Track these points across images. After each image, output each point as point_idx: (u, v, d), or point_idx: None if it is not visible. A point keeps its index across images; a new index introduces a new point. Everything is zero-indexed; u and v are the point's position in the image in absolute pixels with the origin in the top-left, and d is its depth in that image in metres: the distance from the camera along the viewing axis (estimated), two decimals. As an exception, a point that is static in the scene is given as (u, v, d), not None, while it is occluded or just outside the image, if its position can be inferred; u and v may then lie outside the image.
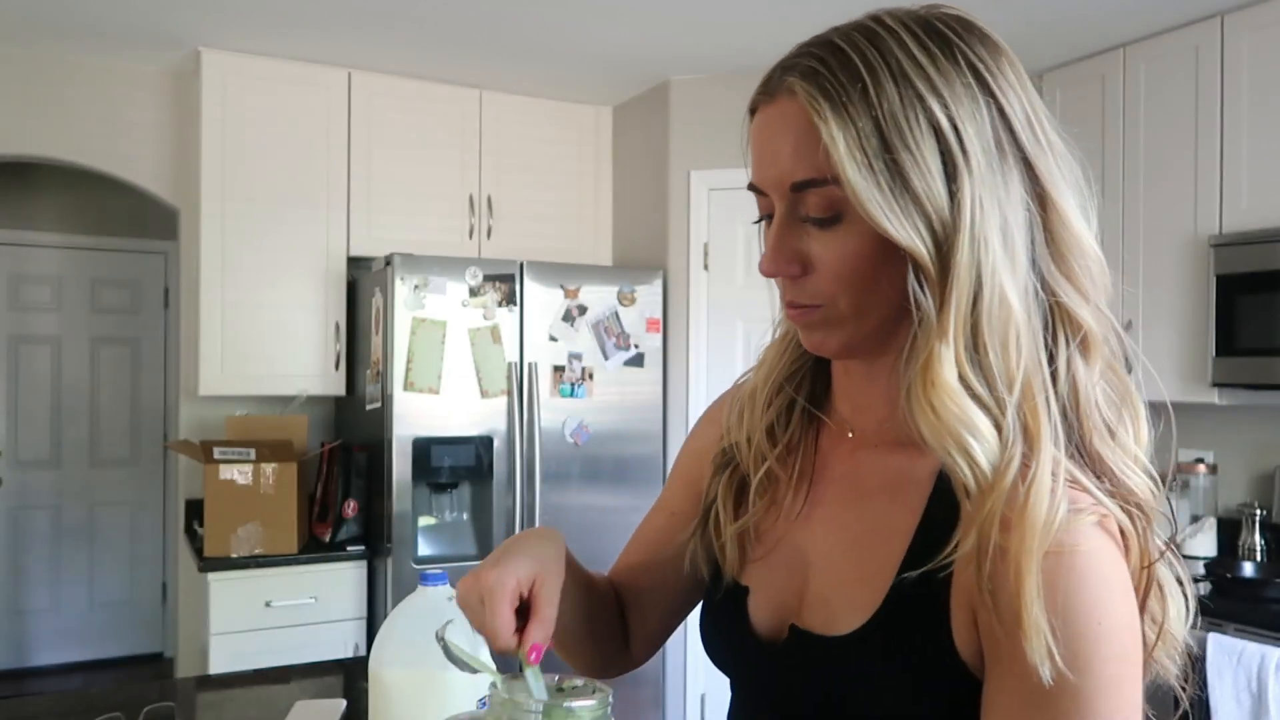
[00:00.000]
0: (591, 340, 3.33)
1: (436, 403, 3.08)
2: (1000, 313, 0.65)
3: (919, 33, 0.68)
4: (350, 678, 1.82)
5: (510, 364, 3.18)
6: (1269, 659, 2.27)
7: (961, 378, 0.65)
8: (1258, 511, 2.85)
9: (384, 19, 3.01)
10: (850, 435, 0.80)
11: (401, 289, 3.04)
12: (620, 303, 3.37)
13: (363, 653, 3.08)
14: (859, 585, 0.73)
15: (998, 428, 0.64)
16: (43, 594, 4.82)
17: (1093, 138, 3.15)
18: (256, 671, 2.00)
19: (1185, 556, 2.92)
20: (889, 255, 0.66)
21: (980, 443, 0.64)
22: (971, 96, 0.66)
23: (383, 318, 3.12)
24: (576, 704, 0.67)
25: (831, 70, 0.67)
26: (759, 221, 0.75)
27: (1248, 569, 2.73)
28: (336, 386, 3.43)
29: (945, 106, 0.65)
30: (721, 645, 0.84)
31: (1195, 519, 3.02)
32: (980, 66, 0.68)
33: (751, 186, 0.73)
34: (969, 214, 0.64)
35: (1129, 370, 0.74)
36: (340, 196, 3.43)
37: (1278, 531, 2.87)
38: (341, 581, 3.12)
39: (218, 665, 2.90)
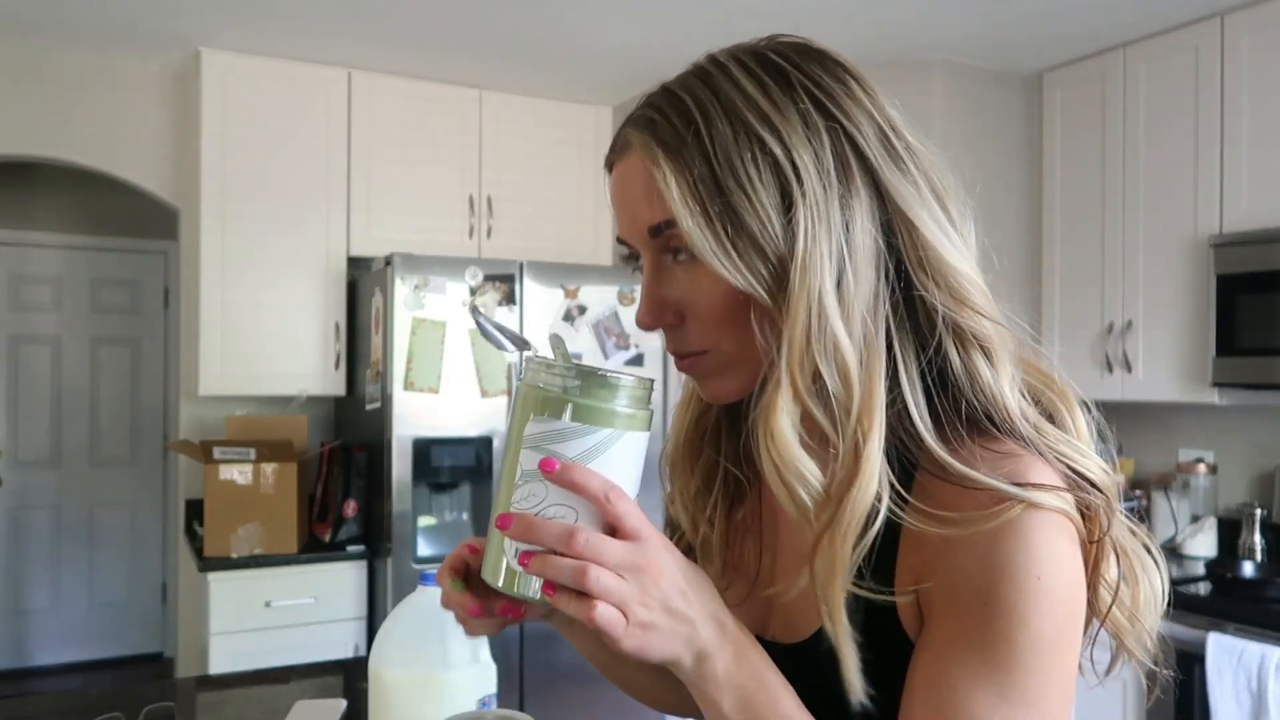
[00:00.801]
0: (592, 340, 3.33)
1: (436, 403, 3.08)
2: (833, 349, 0.65)
3: (752, 66, 0.68)
4: (350, 678, 1.82)
5: (510, 364, 3.18)
6: (1269, 659, 2.27)
7: (805, 415, 0.66)
8: (1258, 511, 2.85)
9: (384, 19, 3.01)
10: None
11: (401, 289, 3.04)
12: (620, 302, 3.37)
13: (363, 653, 3.08)
14: (806, 590, 0.73)
15: (835, 449, 0.66)
16: (43, 594, 4.82)
17: (1093, 138, 3.16)
18: (256, 671, 2.00)
19: (1185, 556, 2.92)
20: (742, 298, 0.67)
21: (806, 488, 0.65)
22: (809, 124, 0.66)
23: (383, 318, 3.12)
24: (615, 373, 0.64)
25: (666, 116, 0.68)
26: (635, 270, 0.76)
27: (1248, 569, 2.73)
28: (336, 386, 3.43)
29: (779, 138, 0.65)
30: None
31: (1195, 519, 3.02)
32: (818, 92, 0.67)
33: (621, 242, 0.75)
34: (802, 245, 0.64)
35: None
36: (340, 196, 3.43)
37: (1278, 531, 2.87)
38: (341, 581, 3.12)
39: (218, 665, 2.90)
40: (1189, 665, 2.42)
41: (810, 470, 0.65)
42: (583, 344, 3.31)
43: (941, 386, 0.68)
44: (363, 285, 3.39)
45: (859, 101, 0.68)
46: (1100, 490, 0.66)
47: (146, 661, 4.93)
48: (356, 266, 3.47)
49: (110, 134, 3.46)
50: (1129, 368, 3.01)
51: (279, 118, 3.35)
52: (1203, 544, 2.93)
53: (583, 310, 3.31)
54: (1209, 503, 3.04)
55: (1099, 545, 0.66)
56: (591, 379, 0.64)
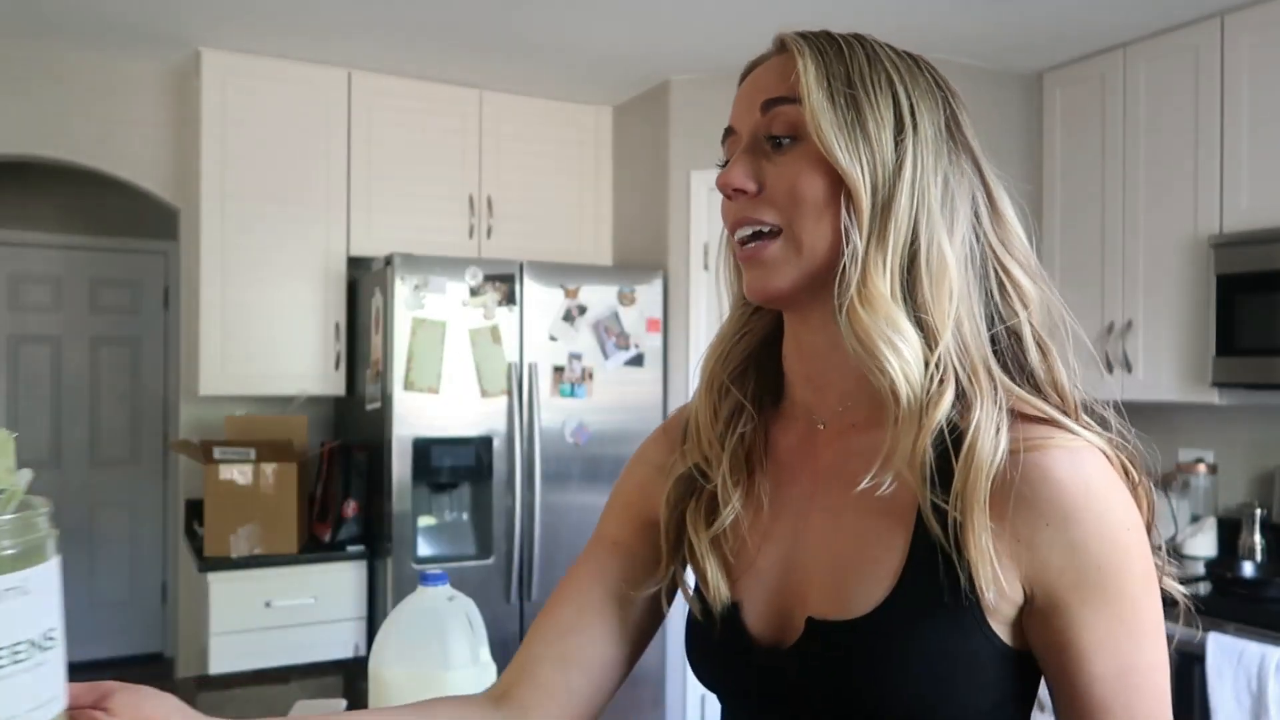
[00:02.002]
0: (591, 340, 3.33)
1: (436, 403, 3.08)
2: (937, 264, 0.71)
3: (896, 50, 0.78)
4: (350, 678, 1.82)
5: (510, 364, 3.18)
6: (1269, 659, 2.27)
7: (893, 295, 0.70)
8: (1258, 511, 2.85)
9: (384, 19, 3.01)
10: (821, 427, 0.80)
11: (401, 289, 3.04)
12: (620, 303, 3.37)
13: (363, 653, 3.08)
14: (869, 564, 0.73)
15: (926, 361, 0.70)
16: (43, 594, 4.81)
17: (1093, 138, 3.16)
18: (256, 671, 2.00)
19: (1185, 556, 2.92)
20: (835, 189, 0.72)
21: (908, 345, 0.70)
22: (930, 92, 0.75)
23: (383, 318, 3.12)
24: None
25: (816, 36, 0.76)
26: (723, 165, 0.79)
27: (1248, 569, 2.73)
28: (336, 386, 3.43)
29: (905, 85, 0.74)
30: (718, 665, 0.82)
31: (1195, 519, 3.02)
32: (941, 81, 0.78)
33: (727, 131, 0.79)
34: (910, 170, 0.72)
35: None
36: (340, 196, 3.43)
37: (1278, 531, 2.87)
38: (341, 581, 3.12)
39: (218, 665, 2.90)
40: (1189, 665, 2.42)
41: (911, 331, 0.70)
42: (582, 344, 3.31)
43: (1005, 344, 0.75)
44: (363, 285, 3.39)
45: (965, 107, 0.79)
46: (1123, 438, 0.74)
47: (146, 661, 4.93)
48: (356, 266, 3.47)
49: (110, 134, 3.46)
50: (1129, 368, 3.01)
51: (279, 118, 3.35)
52: (1203, 544, 2.93)
53: (583, 310, 3.31)
54: (1209, 503, 3.04)
55: (1137, 492, 0.73)
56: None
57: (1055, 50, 3.18)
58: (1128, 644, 0.69)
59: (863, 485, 0.72)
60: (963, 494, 0.68)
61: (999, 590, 0.69)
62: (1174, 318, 2.91)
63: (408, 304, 3.05)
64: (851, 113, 0.72)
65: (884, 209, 0.71)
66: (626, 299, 3.38)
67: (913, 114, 0.73)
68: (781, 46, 0.77)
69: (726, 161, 0.78)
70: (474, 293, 3.13)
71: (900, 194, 0.71)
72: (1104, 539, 0.68)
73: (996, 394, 0.71)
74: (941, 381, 0.70)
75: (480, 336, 3.14)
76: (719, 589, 0.80)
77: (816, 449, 0.80)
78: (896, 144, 0.72)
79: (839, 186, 0.71)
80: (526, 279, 3.22)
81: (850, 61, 0.73)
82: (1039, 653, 0.72)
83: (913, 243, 0.71)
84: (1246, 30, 2.73)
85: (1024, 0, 2.79)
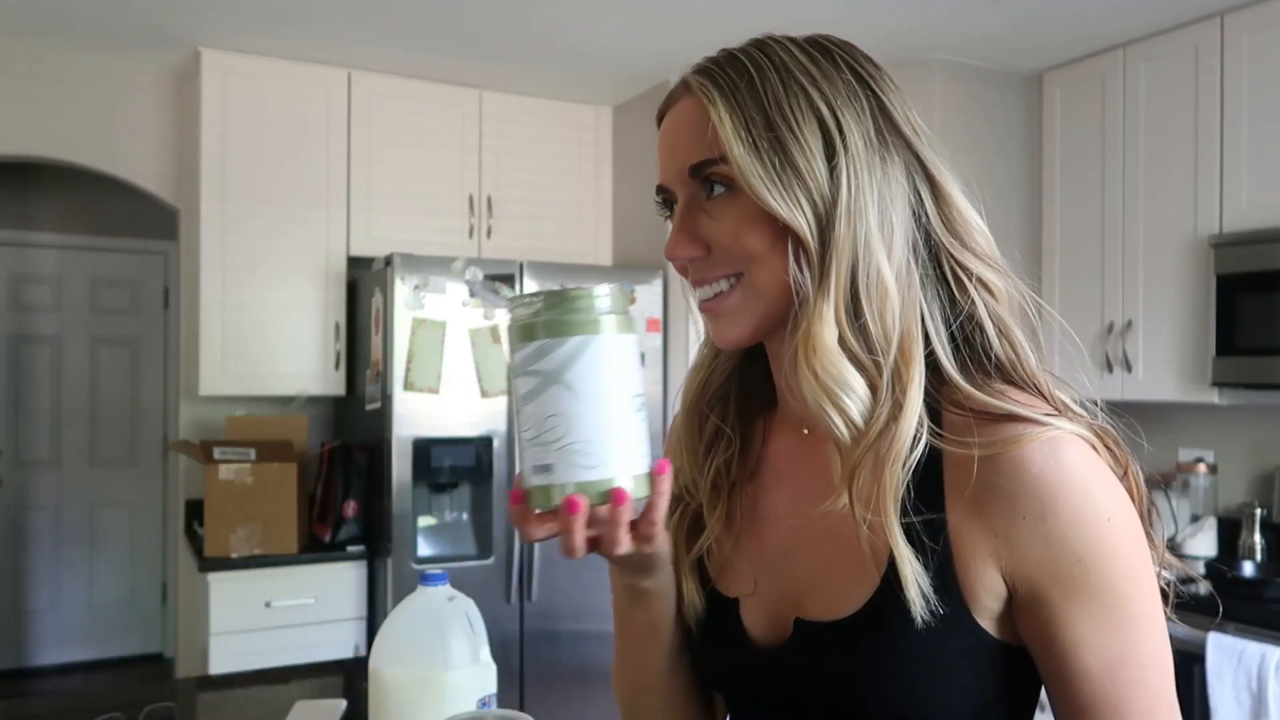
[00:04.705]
0: (591, 340, 3.32)
1: (436, 403, 3.08)
2: (878, 289, 0.71)
3: (802, 43, 0.75)
4: (350, 678, 1.82)
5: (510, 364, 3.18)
6: (1269, 659, 2.27)
7: (841, 339, 0.71)
8: (1258, 511, 2.85)
9: (384, 19, 3.01)
10: (806, 433, 0.81)
11: (401, 289, 3.04)
12: (620, 303, 3.36)
13: (363, 653, 3.08)
14: (853, 566, 0.73)
15: (873, 387, 0.70)
16: (43, 594, 4.82)
17: (1093, 138, 3.16)
18: (256, 671, 2.00)
19: (1185, 556, 2.92)
20: (779, 231, 0.71)
21: (852, 399, 0.70)
22: (851, 92, 0.73)
23: (383, 318, 3.12)
24: (586, 287, 0.68)
25: (721, 68, 0.74)
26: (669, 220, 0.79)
27: (1248, 569, 2.73)
28: (336, 386, 3.43)
29: (825, 97, 0.72)
30: (718, 662, 0.84)
31: (1195, 519, 3.02)
32: (860, 70, 0.74)
33: (659, 189, 0.79)
34: (846, 192, 0.70)
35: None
36: (340, 196, 3.43)
37: (1278, 531, 2.87)
38: (341, 581, 3.12)
39: (218, 665, 2.90)
40: (1189, 665, 2.42)
41: (855, 378, 0.70)
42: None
43: (965, 337, 0.75)
44: (363, 285, 3.39)
45: (892, 90, 0.76)
46: (1105, 427, 0.73)
47: (146, 661, 4.93)
48: (356, 266, 3.47)
49: (110, 134, 3.46)
50: (1129, 368, 3.01)
51: (279, 118, 3.35)
52: (1203, 544, 2.93)
53: (583, 310, 3.30)
54: (1209, 502, 3.04)
55: (1126, 479, 0.72)
56: (555, 296, 0.67)
57: (1055, 50, 3.18)
58: (1115, 639, 0.68)
59: (824, 508, 0.72)
60: (876, 495, 0.69)
61: (932, 591, 0.69)
62: (1174, 318, 2.91)
63: (408, 304, 3.05)
64: (778, 156, 0.70)
65: (825, 242, 0.70)
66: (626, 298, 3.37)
67: (840, 129, 0.71)
68: (687, 88, 0.75)
69: (669, 215, 0.79)
70: (470, 290, 3.13)
71: (839, 223, 0.70)
72: (1083, 531, 0.67)
73: (915, 400, 0.70)
74: (884, 404, 0.70)
75: (480, 336, 3.14)
76: (693, 602, 0.83)
77: (803, 452, 0.81)
78: (830, 170, 0.70)
79: (783, 229, 0.71)
80: (526, 279, 3.22)
81: (764, 92, 0.71)
82: (1030, 647, 0.71)
83: (853, 272, 0.71)
84: (1246, 30, 2.74)
85: (1024, 0, 2.79)
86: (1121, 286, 3.05)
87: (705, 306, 0.77)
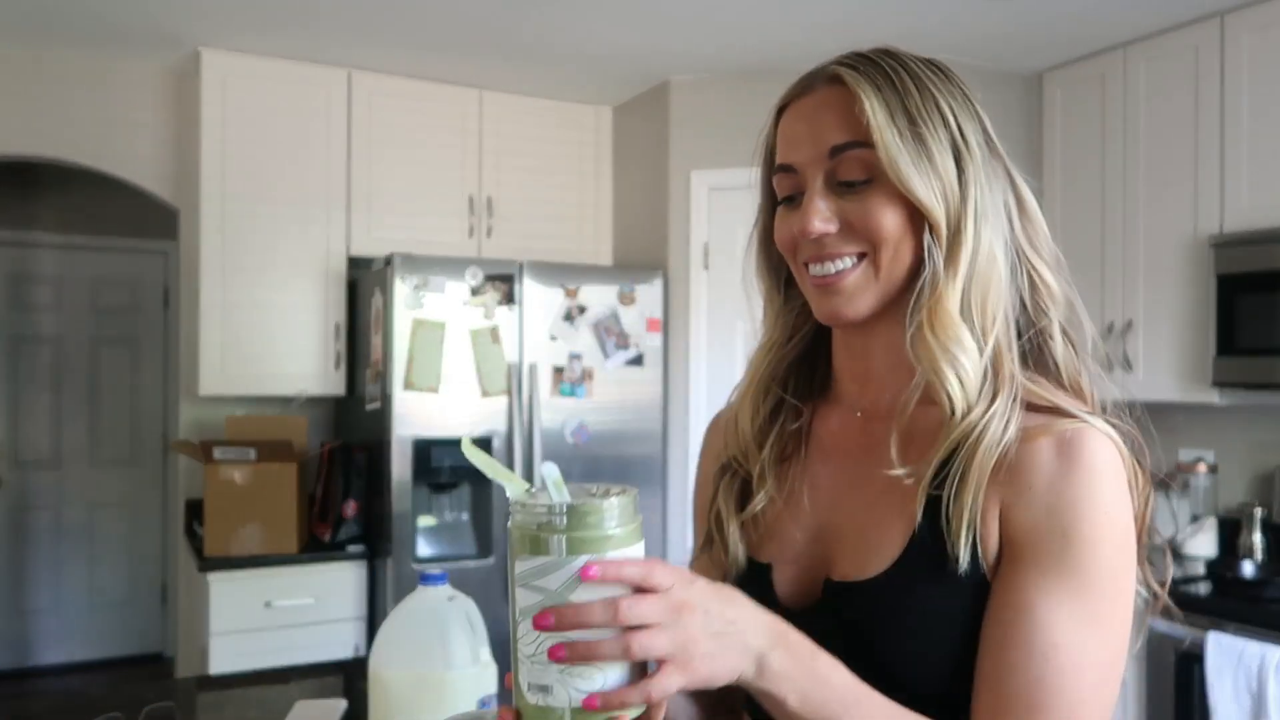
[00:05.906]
0: (591, 340, 3.33)
1: (436, 403, 3.08)
2: (991, 278, 0.78)
3: (922, 58, 0.83)
4: (350, 678, 1.82)
5: (510, 364, 3.18)
6: (1269, 659, 2.27)
7: (961, 312, 0.77)
8: (1258, 511, 2.85)
9: (384, 19, 3.01)
10: (858, 415, 0.87)
11: (401, 289, 3.04)
12: (620, 303, 3.37)
13: (363, 653, 3.08)
14: (884, 530, 0.78)
15: (979, 353, 0.77)
16: (43, 594, 4.82)
17: (1093, 138, 3.16)
18: (256, 672, 2.00)
19: (1185, 556, 2.92)
20: (909, 221, 0.78)
21: (969, 360, 0.76)
22: (966, 105, 0.81)
23: (383, 318, 3.12)
24: (599, 500, 0.65)
25: (864, 67, 0.81)
26: (782, 201, 0.84)
27: (1248, 569, 2.73)
28: (336, 386, 3.43)
29: (951, 108, 0.79)
30: None
31: (1195, 519, 3.02)
32: (967, 90, 0.83)
33: (781, 168, 0.83)
34: (974, 190, 0.78)
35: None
36: (340, 196, 3.43)
37: (1278, 531, 2.87)
38: (341, 581, 3.12)
39: (218, 665, 2.90)
40: (1189, 665, 2.42)
41: (970, 342, 0.76)
42: (582, 344, 3.31)
43: (1029, 337, 0.82)
44: (363, 285, 3.39)
45: (982, 104, 0.84)
46: (1133, 430, 0.79)
47: (146, 661, 4.93)
48: (356, 266, 3.47)
49: (110, 134, 3.46)
50: (1129, 367, 3.01)
51: (279, 118, 3.35)
52: (1203, 544, 2.93)
53: (583, 310, 3.31)
54: (1209, 503, 3.04)
55: (1137, 482, 0.76)
56: (564, 511, 0.65)
57: (1055, 50, 3.18)
58: (1069, 622, 0.70)
59: (896, 472, 0.77)
60: (961, 474, 0.74)
61: (979, 556, 0.73)
62: (1174, 317, 2.91)
63: (408, 304, 3.05)
64: (918, 147, 0.77)
65: (955, 233, 0.77)
66: (626, 299, 3.38)
67: (963, 135, 0.79)
68: (832, 79, 0.81)
69: (790, 198, 0.83)
70: (474, 293, 3.14)
71: (967, 217, 0.77)
72: (1079, 513, 0.71)
73: (1013, 388, 0.76)
74: (987, 383, 0.77)
75: (480, 336, 3.14)
76: (737, 559, 0.88)
77: (852, 433, 0.87)
78: (959, 170, 0.78)
79: (915, 216, 0.78)
80: (526, 279, 3.22)
81: (904, 92, 0.78)
82: (988, 608, 0.73)
83: (973, 260, 0.77)
84: (1246, 30, 2.74)
85: (1024, 0, 2.79)
86: (1122, 286, 3.05)
87: (824, 282, 0.81)
